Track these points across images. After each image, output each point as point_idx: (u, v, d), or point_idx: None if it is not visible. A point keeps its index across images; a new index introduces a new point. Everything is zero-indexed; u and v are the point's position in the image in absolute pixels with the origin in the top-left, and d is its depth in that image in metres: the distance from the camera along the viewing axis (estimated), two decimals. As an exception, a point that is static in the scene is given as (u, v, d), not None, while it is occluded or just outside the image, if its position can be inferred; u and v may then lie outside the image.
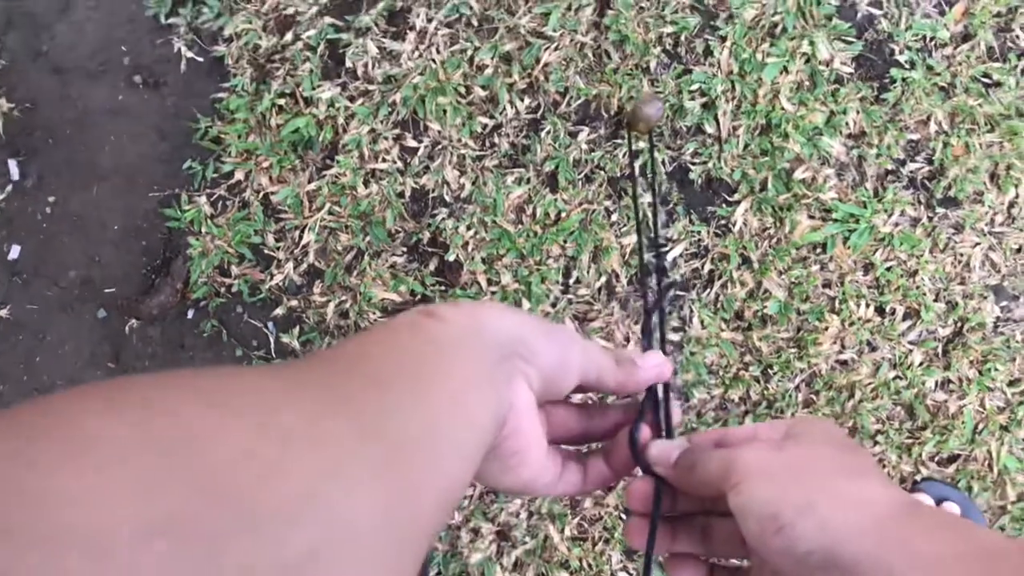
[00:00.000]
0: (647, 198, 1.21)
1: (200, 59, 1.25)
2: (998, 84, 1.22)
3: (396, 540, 0.29)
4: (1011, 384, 1.22)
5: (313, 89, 1.22)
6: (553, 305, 1.21)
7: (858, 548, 0.35)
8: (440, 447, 0.32)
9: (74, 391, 0.24)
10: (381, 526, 0.28)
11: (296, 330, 1.22)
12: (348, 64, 1.22)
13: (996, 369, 1.21)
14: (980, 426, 1.22)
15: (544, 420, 0.45)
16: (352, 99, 1.22)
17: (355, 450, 0.28)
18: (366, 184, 1.21)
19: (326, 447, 0.27)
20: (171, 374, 0.27)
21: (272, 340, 1.23)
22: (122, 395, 0.24)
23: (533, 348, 0.39)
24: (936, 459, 1.22)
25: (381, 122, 1.21)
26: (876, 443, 1.21)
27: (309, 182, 1.22)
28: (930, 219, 1.22)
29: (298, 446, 0.26)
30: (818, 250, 1.22)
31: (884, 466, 1.21)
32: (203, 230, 1.22)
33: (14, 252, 1.23)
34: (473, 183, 1.22)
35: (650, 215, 1.20)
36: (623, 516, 1.21)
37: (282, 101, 1.22)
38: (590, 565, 1.19)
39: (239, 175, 1.23)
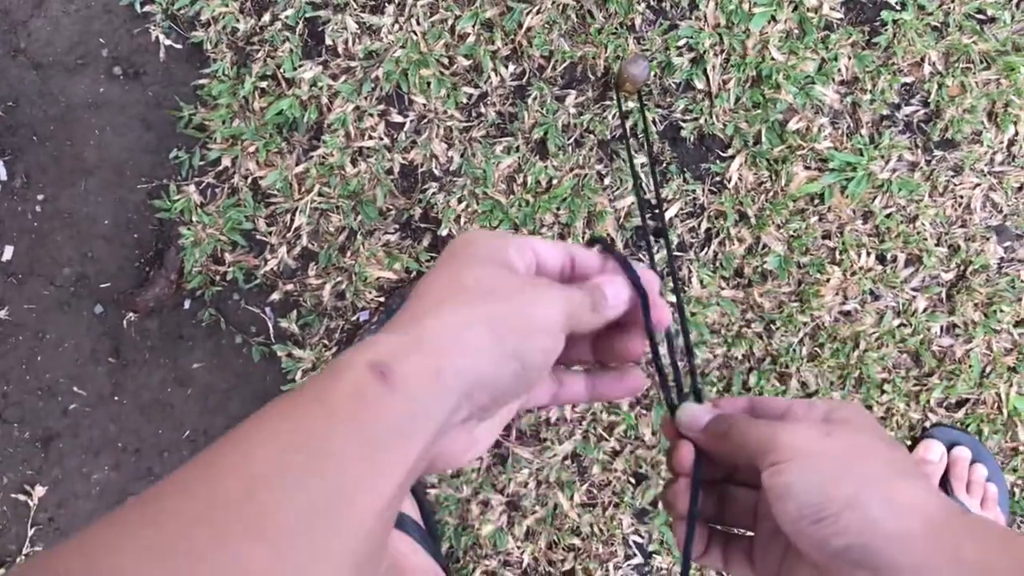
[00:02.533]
0: (641, 159, 1.19)
1: (179, 46, 1.23)
2: (992, 20, 1.19)
3: None
4: (1017, 325, 1.20)
5: (294, 69, 1.20)
6: (550, 273, 1.20)
7: (903, 551, 0.34)
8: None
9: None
10: None
11: (294, 314, 1.22)
12: (328, 42, 1.20)
13: (1002, 310, 1.19)
14: (987, 369, 1.21)
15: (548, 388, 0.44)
16: (335, 77, 1.20)
17: None
18: (354, 163, 1.20)
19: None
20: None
21: (271, 325, 1.23)
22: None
23: (496, 385, 0.36)
24: (945, 404, 1.21)
25: (365, 99, 1.20)
26: (883, 392, 1.20)
27: (297, 164, 1.21)
28: (928, 163, 1.20)
29: None
30: (816, 201, 1.20)
31: (893, 414, 1.20)
32: (194, 219, 1.21)
33: (7, 253, 1.23)
34: (462, 155, 1.20)
35: (645, 175, 1.18)
36: (632, 480, 1.21)
37: (264, 84, 1.20)
38: (601, 530, 1.19)
39: (226, 161, 1.22)
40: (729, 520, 0.46)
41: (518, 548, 1.19)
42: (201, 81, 1.22)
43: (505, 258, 0.39)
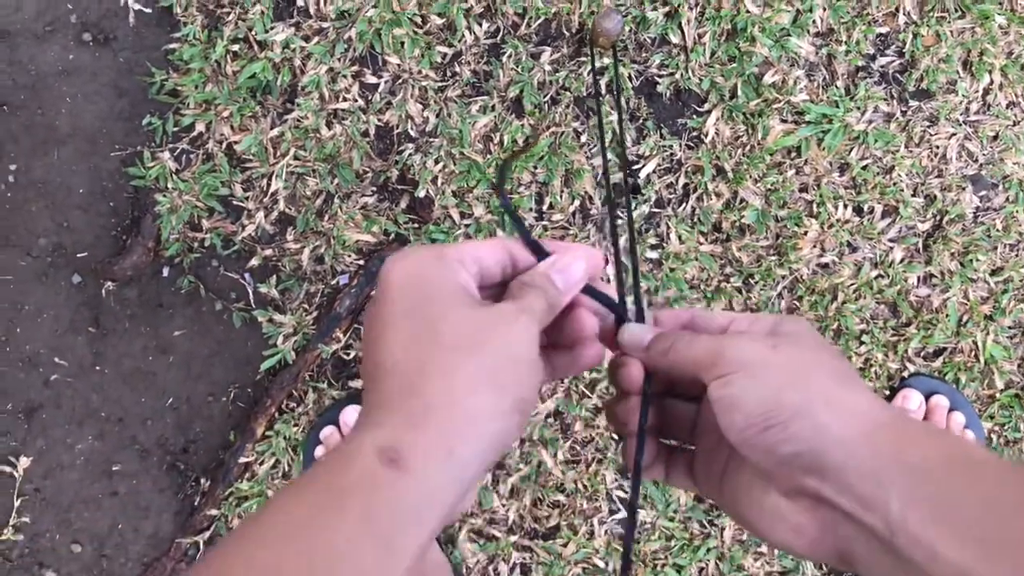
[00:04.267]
0: (615, 116, 1.19)
1: (148, 10, 1.22)
2: (966, -32, 1.18)
3: None
4: (993, 273, 1.21)
5: (266, 32, 1.19)
6: (529, 232, 1.20)
7: (849, 454, 0.35)
8: None
9: None
10: None
11: (273, 279, 1.22)
12: (300, 2, 1.19)
13: (978, 259, 1.20)
14: (964, 318, 1.22)
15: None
16: (307, 39, 1.19)
17: None
18: (329, 125, 1.19)
19: None
20: None
21: (251, 291, 1.23)
22: None
23: (506, 441, 0.36)
24: (922, 354, 1.22)
25: (338, 60, 1.19)
26: (861, 343, 1.21)
27: (271, 128, 1.20)
28: (904, 113, 1.20)
29: None
30: (792, 154, 1.20)
31: (871, 365, 1.21)
32: (169, 186, 1.21)
33: (-18, 224, 1.22)
34: (437, 115, 1.19)
35: (619, 132, 1.18)
36: (614, 437, 1.22)
37: (236, 47, 1.19)
38: (585, 486, 1.20)
39: (200, 127, 1.21)
40: (669, 434, 0.47)
41: (503, 506, 1.20)
42: (172, 46, 1.21)
43: (460, 285, 0.39)
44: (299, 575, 0.29)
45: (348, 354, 1.21)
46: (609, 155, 1.20)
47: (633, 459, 0.42)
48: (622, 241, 1.21)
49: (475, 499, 0.37)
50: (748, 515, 0.41)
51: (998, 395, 1.22)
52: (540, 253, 0.43)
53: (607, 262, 0.46)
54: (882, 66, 1.20)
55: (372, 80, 1.19)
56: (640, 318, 0.46)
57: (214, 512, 1.19)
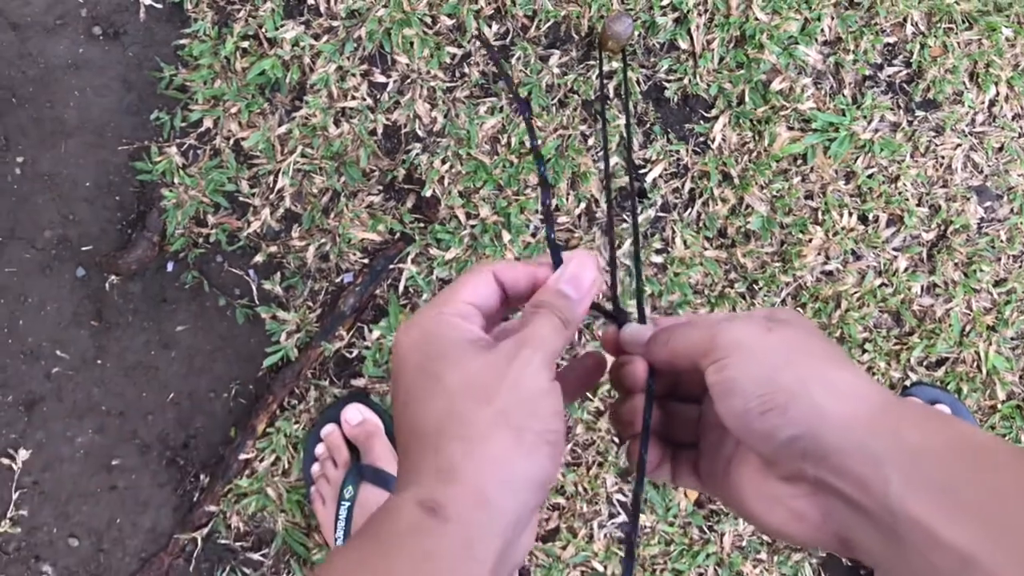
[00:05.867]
0: (623, 119, 1.19)
1: (159, 5, 1.22)
2: (974, -20, 1.19)
3: None
4: (997, 284, 1.22)
5: (276, 29, 1.19)
6: (533, 235, 1.20)
7: (847, 436, 0.35)
8: None
9: None
10: None
11: (277, 276, 1.22)
12: (310, 1, 1.19)
13: (982, 270, 1.20)
14: (967, 328, 1.22)
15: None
16: (317, 37, 1.19)
17: None
18: (337, 124, 1.20)
19: None
20: None
21: (254, 288, 1.22)
22: None
23: (541, 474, 0.37)
24: (925, 363, 1.23)
25: (348, 59, 1.19)
26: (864, 351, 1.21)
27: (279, 125, 1.20)
28: (910, 123, 1.21)
29: None
30: (799, 161, 1.20)
31: (874, 373, 1.21)
32: (176, 181, 1.21)
33: (-13, 216, 1.22)
34: (445, 116, 1.20)
35: (626, 136, 1.18)
36: (615, 440, 1.22)
37: (246, 44, 1.19)
38: (585, 489, 1.20)
39: (208, 122, 1.21)
40: (673, 435, 0.47)
41: (503, 508, 1.20)
42: (182, 41, 1.21)
43: (461, 336, 0.40)
44: None
45: (351, 352, 1.21)
46: (616, 159, 1.21)
47: (638, 455, 0.42)
48: (627, 245, 1.21)
49: (533, 539, 0.37)
50: (749, 505, 0.41)
51: (999, 406, 1.22)
52: (556, 252, 0.44)
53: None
54: (889, 76, 1.21)
55: (381, 79, 1.20)
56: (642, 322, 0.47)
57: (213, 508, 1.19)
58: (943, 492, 0.32)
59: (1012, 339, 1.23)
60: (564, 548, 1.20)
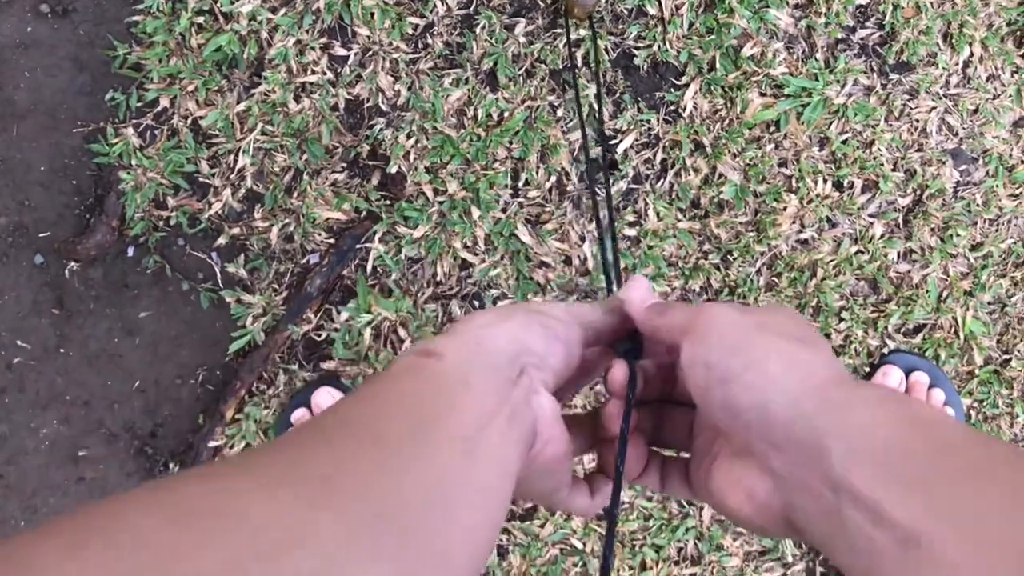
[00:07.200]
0: (592, 89, 1.16)
1: (108, -19, 1.18)
2: (947, -63, 1.17)
3: None
4: (973, 249, 1.20)
5: (232, 3, 1.15)
6: (504, 210, 1.18)
7: (794, 406, 0.35)
8: (454, 502, 0.31)
9: (36, 533, 0.23)
10: None
11: (241, 258, 1.19)
12: (266, -27, 1.15)
13: (958, 235, 1.19)
14: (944, 294, 1.21)
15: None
16: (274, 10, 1.15)
17: (351, 541, 0.27)
18: (297, 99, 1.16)
19: (318, 549, 0.25)
20: (138, 492, 0.26)
21: (218, 271, 1.19)
22: (84, 534, 0.23)
23: (540, 352, 0.40)
24: (902, 330, 1.21)
25: (306, 32, 1.15)
26: (841, 320, 1.20)
27: (238, 103, 1.16)
28: (884, 86, 1.18)
29: (287, 557, 0.24)
30: (772, 128, 1.18)
31: (851, 342, 1.20)
32: (133, 163, 1.17)
33: (-61, 203, 1.18)
34: (409, 88, 1.16)
35: (596, 106, 1.15)
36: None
37: (201, 19, 1.15)
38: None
39: (164, 102, 1.17)
40: (665, 441, 0.48)
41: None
42: (135, 18, 1.17)
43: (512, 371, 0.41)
44: (364, 418, 0.33)
45: (319, 335, 1.18)
46: (587, 130, 1.18)
47: (619, 428, 0.42)
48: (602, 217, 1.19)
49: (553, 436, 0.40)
50: (716, 489, 0.41)
51: (977, 371, 1.22)
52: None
53: None
54: (862, 38, 1.18)
55: (341, 52, 1.16)
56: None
57: (183, 497, 1.17)
58: (888, 467, 0.31)
59: (989, 304, 1.21)
60: (542, 526, 1.19)
